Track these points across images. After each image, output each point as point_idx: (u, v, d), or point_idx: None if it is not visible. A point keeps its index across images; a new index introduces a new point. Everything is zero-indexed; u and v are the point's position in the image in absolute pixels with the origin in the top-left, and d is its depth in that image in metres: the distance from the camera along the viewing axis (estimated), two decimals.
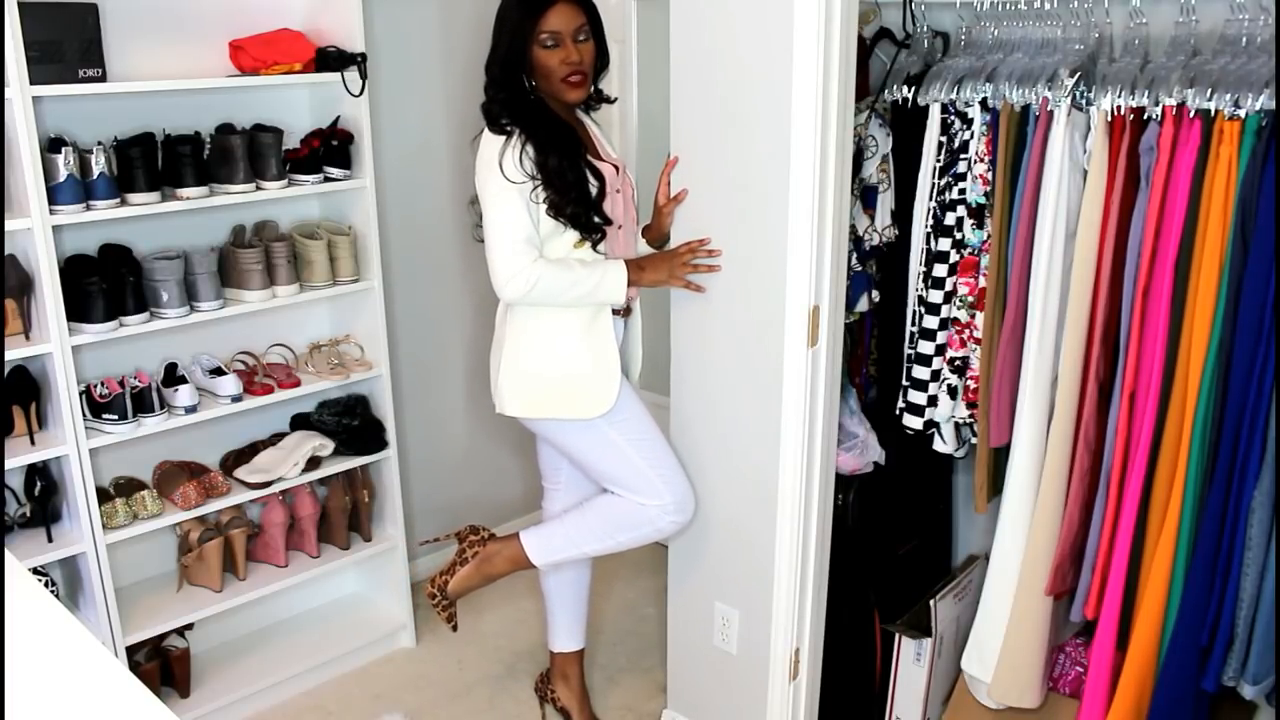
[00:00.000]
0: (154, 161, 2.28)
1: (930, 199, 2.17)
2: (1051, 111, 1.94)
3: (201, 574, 2.56)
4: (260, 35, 2.42)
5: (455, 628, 2.39)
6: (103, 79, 2.17)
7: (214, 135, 2.38)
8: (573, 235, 2.06)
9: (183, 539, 2.58)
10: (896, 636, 2.37)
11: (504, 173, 1.98)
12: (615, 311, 2.19)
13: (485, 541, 2.30)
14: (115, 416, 2.27)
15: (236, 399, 2.45)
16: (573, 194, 2.02)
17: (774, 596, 2.17)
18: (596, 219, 2.06)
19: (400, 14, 2.81)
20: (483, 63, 2.08)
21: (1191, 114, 1.79)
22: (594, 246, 2.07)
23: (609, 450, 2.13)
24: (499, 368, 2.16)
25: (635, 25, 3.15)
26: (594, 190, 2.06)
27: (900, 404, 2.29)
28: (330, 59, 2.46)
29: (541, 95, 2.08)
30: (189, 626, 2.55)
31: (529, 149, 2.00)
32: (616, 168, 2.16)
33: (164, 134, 2.35)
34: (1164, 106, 1.83)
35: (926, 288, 2.20)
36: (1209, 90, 1.77)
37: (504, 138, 2.01)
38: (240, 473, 2.56)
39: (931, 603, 2.34)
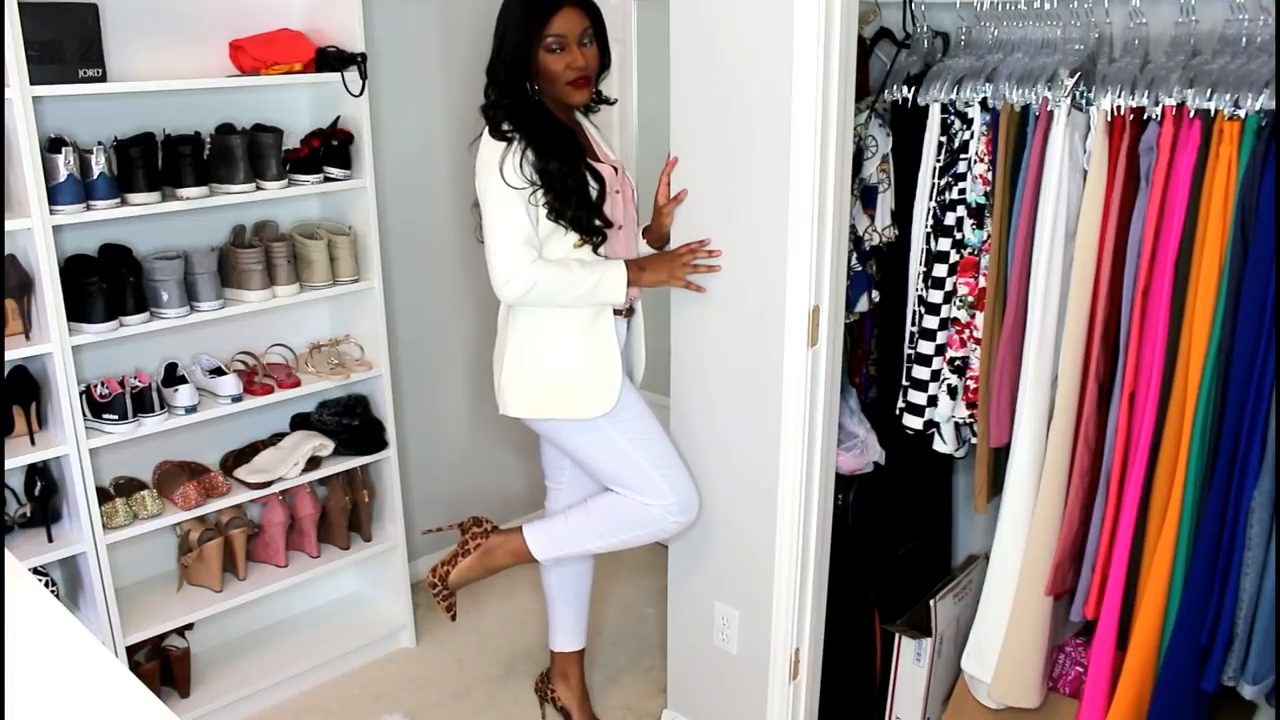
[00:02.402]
0: (154, 161, 2.28)
1: (930, 199, 2.17)
2: (1051, 111, 1.94)
3: (201, 574, 2.56)
4: (260, 35, 2.42)
5: (454, 617, 2.39)
6: (103, 79, 2.17)
7: (214, 135, 2.38)
8: (573, 237, 2.06)
9: (183, 539, 2.58)
10: (896, 636, 2.37)
11: (505, 179, 1.99)
12: (618, 312, 2.19)
13: (488, 534, 2.30)
14: (115, 416, 2.27)
15: (236, 399, 2.45)
16: (573, 199, 2.02)
17: (774, 596, 2.17)
18: (598, 222, 2.06)
19: (400, 14, 2.81)
20: (483, 62, 2.08)
21: (1191, 114, 1.79)
22: (595, 249, 2.08)
23: (612, 451, 2.13)
24: (501, 369, 2.16)
25: (635, 25, 3.15)
26: (594, 193, 2.06)
27: (900, 404, 2.29)
28: (330, 59, 2.46)
29: (543, 98, 2.09)
30: (189, 626, 2.55)
31: (529, 155, 2.00)
32: (615, 169, 2.16)
33: (164, 134, 2.35)
34: (1164, 106, 1.83)
35: (926, 288, 2.20)
36: (1209, 90, 1.77)
37: (505, 144, 2.01)
38: (240, 473, 2.56)
39: (931, 603, 2.34)
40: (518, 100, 2.04)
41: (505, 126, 2.02)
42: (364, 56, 2.46)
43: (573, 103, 2.09)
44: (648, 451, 2.14)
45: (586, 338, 2.09)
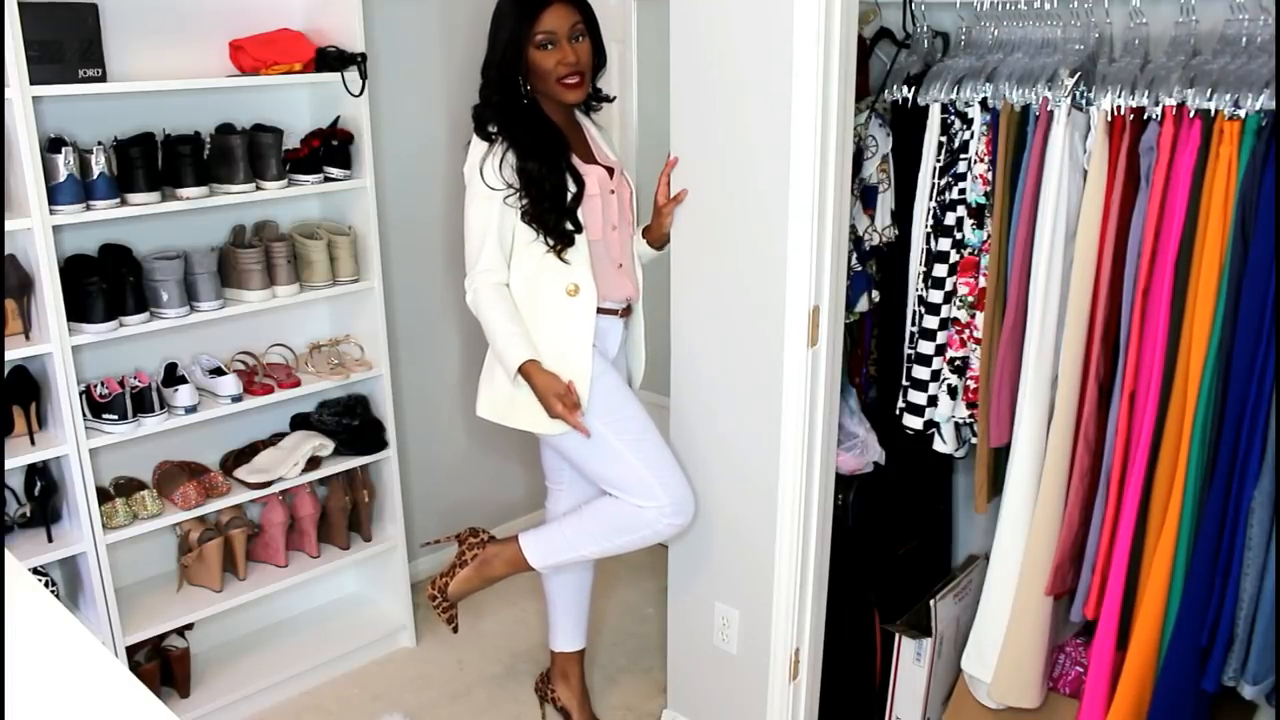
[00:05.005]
0: (154, 161, 2.28)
1: (930, 199, 2.17)
2: (1051, 111, 1.94)
3: (201, 574, 2.56)
4: (260, 35, 2.42)
5: (456, 629, 2.39)
6: (103, 79, 2.17)
7: (214, 135, 2.38)
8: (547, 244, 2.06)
9: (183, 539, 2.58)
10: (896, 636, 2.37)
11: (484, 180, 2.01)
12: (615, 312, 2.19)
13: (485, 544, 2.30)
14: (115, 416, 2.27)
15: (236, 399, 2.45)
16: (547, 202, 2.03)
17: (774, 596, 2.17)
18: (568, 226, 2.05)
19: (400, 14, 2.81)
20: (482, 63, 2.08)
21: (1191, 114, 1.79)
22: (559, 255, 2.06)
23: (605, 452, 2.13)
24: (483, 369, 2.18)
25: (635, 25, 3.15)
26: (570, 196, 2.05)
27: (900, 404, 2.29)
28: (330, 59, 2.46)
29: (538, 97, 2.09)
30: (189, 626, 2.55)
31: (510, 156, 2.02)
32: (611, 170, 2.15)
33: (164, 134, 2.35)
34: (1164, 106, 1.83)
35: (926, 288, 2.20)
36: (1209, 90, 1.77)
37: (488, 144, 2.03)
38: (240, 473, 2.56)
39: (931, 603, 2.34)
40: (508, 100, 2.05)
41: (490, 128, 2.04)
42: (364, 56, 2.46)
43: (567, 100, 2.09)
44: (641, 453, 2.13)
45: (561, 351, 2.08)
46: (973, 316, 2.15)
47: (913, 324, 2.24)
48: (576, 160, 2.10)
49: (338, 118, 2.54)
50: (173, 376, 2.44)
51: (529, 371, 2.03)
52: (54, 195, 2.12)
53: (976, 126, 2.08)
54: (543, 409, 2.06)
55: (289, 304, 2.54)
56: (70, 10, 2.11)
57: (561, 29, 2.01)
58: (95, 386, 2.29)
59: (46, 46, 2.07)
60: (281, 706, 2.68)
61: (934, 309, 2.19)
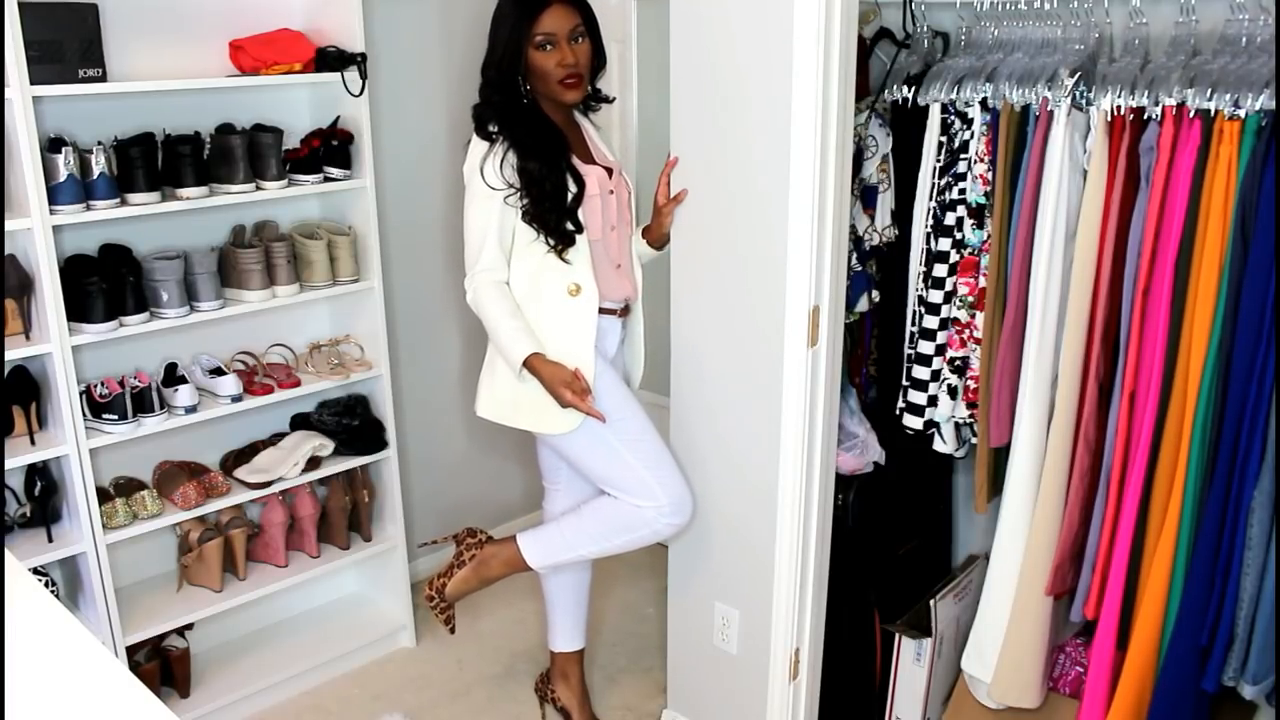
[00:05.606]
0: (154, 161, 2.28)
1: (930, 199, 2.17)
2: (1051, 111, 1.94)
3: (201, 574, 2.56)
4: (260, 35, 2.42)
5: (453, 630, 2.39)
6: (103, 79, 2.17)
7: (214, 135, 2.38)
8: (547, 244, 2.06)
9: (183, 539, 2.58)
10: (896, 636, 2.37)
11: (485, 179, 2.01)
12: (614, 312, 2.19)
13: (482, 544, 2.30)
14: (115, 416, 2.27)
15: (236, 399, 2.45)
16: (547, 202, 2.03)
17: (774, 596, 2.17)
18: (569, 226, 2.05)
19: (400, 14, 2.81)
20: (481, 63, 2.08)
21: (1191, 114, 1.79)
22: (560, 255, 2.06)
23: (604, 452, 2.13)
24: (483, 369, 2.18)
25: (635, 25, 3.15)
26: (570, 196, 2.06)
27: (900, 404, 2.29)
28: (330, 59, 2.46)
29: (537, 97, 2.09)
30: (189, 626, 2.55)
31: (510, 156, 2.02)
32: (610, 170, 2.15)
33: (164, 134, 2.35)
34: (1164, 106, 1.83)
35: (926, 288, 2.20)
36: (1209, 90, 1.77)
37: (488, 144, 2.03)
38: (240, 473, 2.56)
39: (931, 603, 2.34)
40: (508, 100, 2.05)
41: (491, 127, 2.04)
42: (364, 56, 2.46)
43: (566, 101, 2.09)
44: (639, 452, 2.13)
45: (563, 350, 2.07)
46: (973, 316, 2.15)
47: (913, 324, 2.24)
48: (576, 160, 2.10)
49: (338, 118, 2.54)
50: (173, 376, 2.44)
51: (534, 364, 2.02)
52: (54, 195, 2.12)
53: (976, 126, 2.08)
54: (547, 405, 2.05)
55: (289, 304, 2.54)
56: (70, 10, 2.11)
57: (561, 30, 2.01)
58: (95, 386, 2.29)
59: (46, 46, 2.07)
60: (281, 706, 2.68)
61: (934, 309, 2.19)
